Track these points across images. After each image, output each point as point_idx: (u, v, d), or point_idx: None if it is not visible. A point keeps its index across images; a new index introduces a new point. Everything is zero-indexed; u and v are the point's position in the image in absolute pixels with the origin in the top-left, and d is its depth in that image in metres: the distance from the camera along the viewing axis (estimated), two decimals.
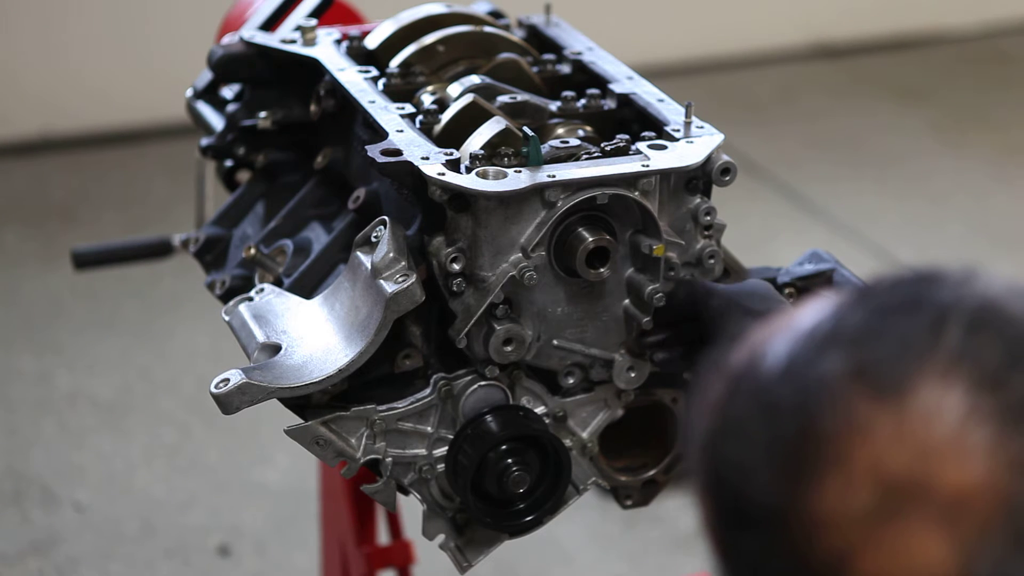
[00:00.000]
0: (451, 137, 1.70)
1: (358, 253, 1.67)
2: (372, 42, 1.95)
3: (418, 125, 1.73)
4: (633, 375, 1.70)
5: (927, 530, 0.89)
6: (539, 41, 2.01)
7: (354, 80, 1.83)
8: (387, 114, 1.74)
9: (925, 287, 0.95)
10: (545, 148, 1.64)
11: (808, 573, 0.92)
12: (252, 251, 1.86)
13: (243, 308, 1.74)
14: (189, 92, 2.10)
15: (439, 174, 1.58)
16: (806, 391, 0.93)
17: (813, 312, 0.97)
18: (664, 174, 1.62)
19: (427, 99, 1.83)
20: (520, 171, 1.59)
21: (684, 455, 1.75)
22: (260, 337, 1.68)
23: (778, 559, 0.93)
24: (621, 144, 1.65)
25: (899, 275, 0.97)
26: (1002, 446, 0.89)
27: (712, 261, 1.68)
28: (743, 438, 0.95)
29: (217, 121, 2.03)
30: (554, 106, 1.81)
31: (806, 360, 0.94)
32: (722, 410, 0.97)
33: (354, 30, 2.01)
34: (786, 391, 0.93)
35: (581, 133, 1.76)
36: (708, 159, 1.64)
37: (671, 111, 1.74)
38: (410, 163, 1.60)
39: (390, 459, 1.68)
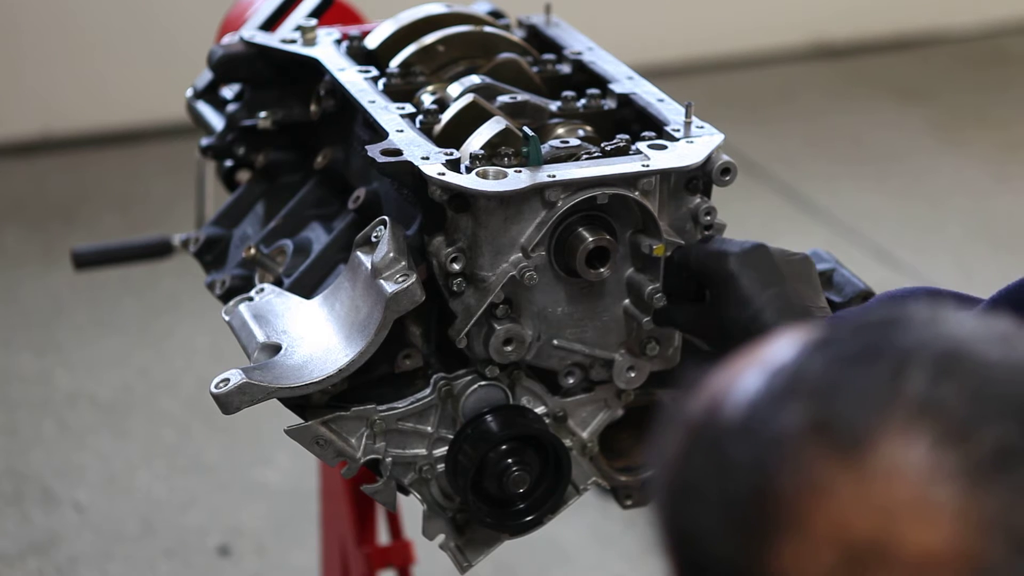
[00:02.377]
0: (451, 137, 1.70)
1: (358, 253, 1.67)
2: (372, 42, 1.95)
3: (418, 125, 1.73)
4: (633, 375, 1.70)
5: None
6: (539, 41, 2.01)
7: (354, 80, 1.83)
8: (387, 114, 1.74)
9: (886, 331, 0.90)
10: (545, 148, 1.64)
11: None
12: (252, 251, 1.86)
13: (243, 308, 1.74)
14: (189, 92, 2.10)
15: (439, 174, 1.58)
16: (763, 448, 0.88)
17: (775, 355, 0.92)
18: (664, 174, 1.62)
19: (427, 99, 1.83)
20: (520, 171, 1.59)
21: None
22: (260, 337, 1.68)
23: None
24: (621, 144, 1.65)
25: (863, 318, 0.92)
26: (970, 505, 0.84)
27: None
28: (699, 498, 0.90)
29: (217, 121, 2.03)
30: (554, 106, 1.81)
31: (764, 414, 0.89)
32: (679, 467, 0.92)
33: (354, 30, 2.01)
34: (742, 448, 0.89)
35: (581, 133, 1.76)
36: (708, 159, 1.64)
37: (671, 111, 1.74)
38: (410, 163, 1.60)
39: (390, 459, 1.68)
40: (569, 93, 1.82)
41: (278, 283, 1.83)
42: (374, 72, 1.86)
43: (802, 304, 1.53)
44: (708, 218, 1.65)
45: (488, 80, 1.81)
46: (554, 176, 1.58)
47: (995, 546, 0.83)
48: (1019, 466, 0.84)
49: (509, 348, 1.64)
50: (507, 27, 2.02)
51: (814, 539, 0.85)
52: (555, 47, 1.97)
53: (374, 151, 1.63)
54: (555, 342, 1.67)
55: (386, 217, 1.66)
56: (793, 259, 1.57)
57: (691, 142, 1.66)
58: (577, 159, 1.64)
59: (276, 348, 1.66)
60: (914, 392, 0.86)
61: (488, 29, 1.94)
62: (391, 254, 1.61)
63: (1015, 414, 0.85)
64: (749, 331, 1.49)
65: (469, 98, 1.74)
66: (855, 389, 0.87)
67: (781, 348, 0.92)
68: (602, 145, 1.66)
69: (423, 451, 1.69)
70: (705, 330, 1.60)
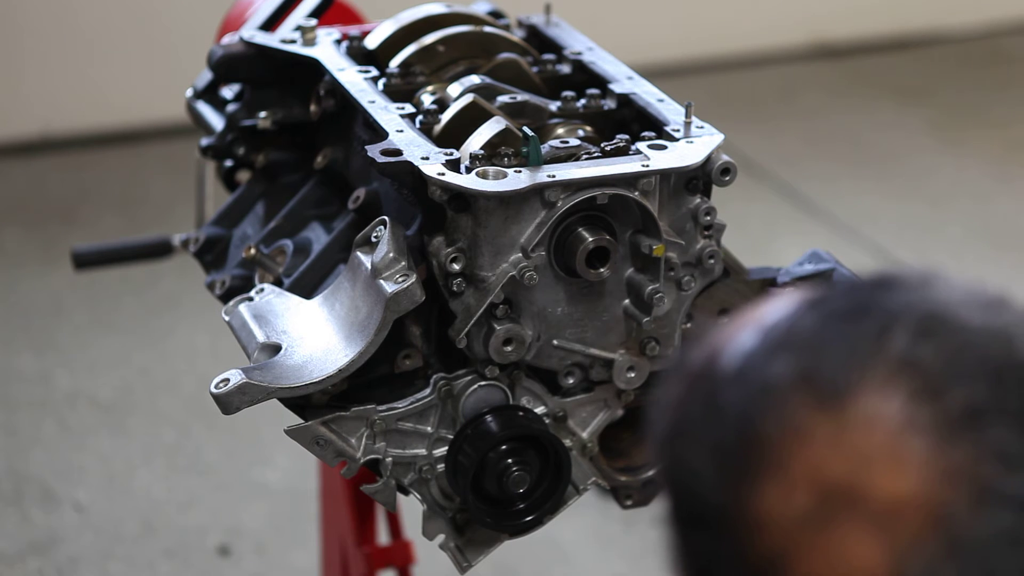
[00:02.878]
0: (451, 137, 1.70)
1: (358, 253, 1.67)
2: (372, 42, 1.95)
3: (418, 125, 1.73)
4: (633, 375, 1.70)
5: (861, 536, 0.90)
6: (539, 41, 2.01)
7: (354, 80, 1.83)
8: (387, 114, 1.74)
9: (878, 293, 0.95)
10: (545, 148, 1.64)
11: (749, 572, 0.94)
12: (252, 251, 1.86)
13: (243, 308, 1.74)
14: (189, 92, 2.10)
15: (439, 174, 1.58)
16: (752, 395, 0.94)
17: (772, 312, 0.98)
18: (664, 174, 1.62)
19: (427, 99, 1.83)
20: (520, 171, 1.59)
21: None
22: (260, 337, 1.68)
23: (722, 558, 0.95)
24: (621, 144, 1.65)
25: (855, 280, 0.98)
26: (937, 457, 0.89)
27: (712, 261, 1.68)
28: (693, 439, 0.97)
29: (217, 121, 2.03)
30: (554, 106, 1.81)
31: (756, 364, 0.95)
32: (677, 410, 0.99)
33: (354, 30, 2.01)
34: (734, 394, 0.95)
35: (581, 133, 1.76)
36: (708, 159, 1.64)
37: (671, 111, 1.74)
38: (410, 163, 1.60)
39: (390, 459, 1.68)
40: (569, 93, 1.82)
41: (278, 283, 1.83)
42: (374, 72, 1.86)
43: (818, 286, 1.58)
44: (708, 218, 1.65)
45: (488, 80, 1.81)
46: (554, 176, 1.58)
47: (958, 497, 0.89)
48: (986, 424, 0.90)
49: (509, 348, 1.64)
50: (507, 27, 2.03)
51: (792, 481, 0.91)
52: (555, 47, 1.97)
53: (374, 151, 1.63)
54: (555, 342, 1.67)
55: (386, 217, 1.66)
56: None
57: (691, 142, 1.66)
58: (577, 159, 1.64)
59: (276, 348, 1.66)
60: (895, 350, 0.91)
61: (488, 29, 1.94)
62: (391, 254, 1.61)
63: (987, 376, 0.91)
64: None
65: (469, 98, 1.74)
66: (841, 344, 0.93)
67: (779, 306, 0.98)
68: (602, 145, 1.66)
69: (423, 451, 1.69)
70: None
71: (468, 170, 1.60)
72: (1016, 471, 0.89)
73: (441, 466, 1.70)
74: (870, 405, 0.91)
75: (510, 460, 1.66)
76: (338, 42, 1.96)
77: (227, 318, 1.75)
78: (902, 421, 0.90)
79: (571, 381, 1.70)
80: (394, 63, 1.90)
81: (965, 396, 0.90)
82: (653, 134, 1.69)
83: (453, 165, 1.61)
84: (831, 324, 0.94)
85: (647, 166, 1.61)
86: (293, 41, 1.94)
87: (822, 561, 0.91)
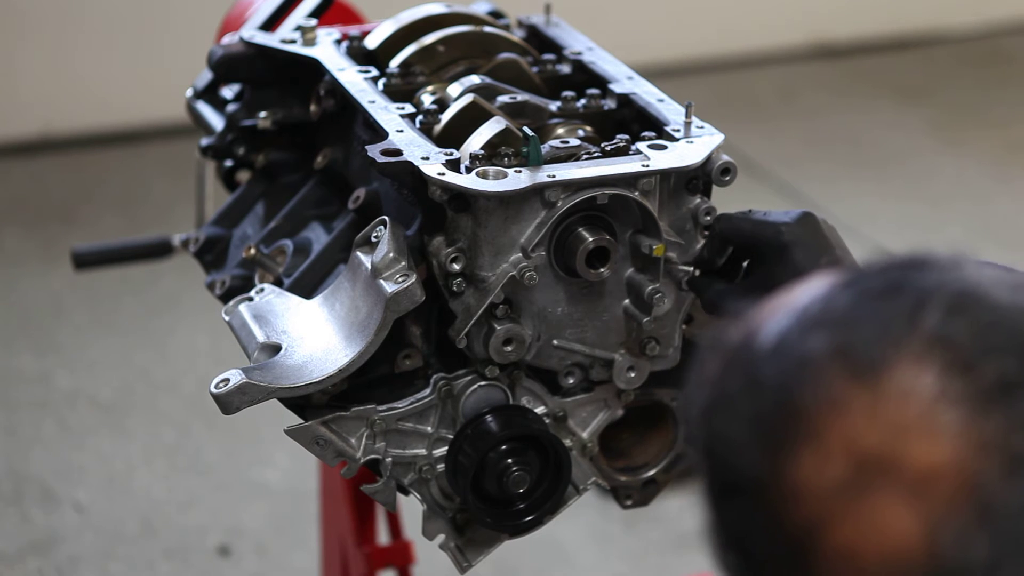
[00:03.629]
0: (451, 137, 1.70)
1: (358, 253, 1.67)
2: (372, 42, 1.95)
3: (418, 125, 1.73)
4: (633, 375, 1.70)
5: (895, 504, 0.93)
6: (539, 41, 2.01)
7: (354, 80, 1.83)
8: (387, 114, 1.74)
9: (911, 272, 0.99)
10: (545, 148, 1.64)
11: (785, 542, 0.96)
12: (252, 251, 1.86)
13: (243, 308, 1.74)
14: (189, 92, 2.10)
15: (439, 174, 1.58)
16: (789, 369, 0.97)
17: (808, 292, 1.01)
18: (664, 174, 1.62)
19: (427, 99, 1.83)
20: (520, 171, 1.59)
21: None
22: (260, 337, 1.68)
23: (759, 528, 0.98)
24: (621, 144, 1.65)
25: (890, 260, 1.01)
26: (969, 428, 0.92)
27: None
28: (731, 411, 1.00)
29: (217, 121, 2.03)
30: (554, 106, 1.81)
31: (793, 340, 0.98)
32: (715, 384, 1.02)
33: (354, 30, 2.01)
34: (771, 368, 0.98)
35: (581, 133, 1.76)
36: (708, 159, 1.64)
37: (671, 111, 1.74)
38: (410, 163, 1.60)
39: (390, 459, 1.68)
40: (569, 93, 1.82)
41: (278, 283, 1.83)
42: (374, 72, 1.86)
43: (852, 264, 1.60)
44: (708, 218, 1.65)
45: (488, 80, 1.81)
46: (554, 176, 1.58)
47: (990, 466, 0.92)
48: (1017, 396, 0.93)
49: (509, 348, 1.64)
50: (507, 27, 2.02)
51: (829, 451, 0.94)
52: (555, 47, 1.97)
53: (374, 151, 1.63)
54: (555, 342, 1.67)
55: (386, 217, 1.66)
56: (828, 224, 1.64)
57: (691, 142, 1.66)
58: (577, 159, 1.64)
59: (276, 348, 1.66)
60: (928, 326, 0.95)
61: (488, 29, 1.94)
62: (391, 254, 1.61)
63: (1018, 350, 0.94)
64: None
65: (469, 98, 1.74)
66: (876, 321, 0.96)
67: (811, 287, 1.02)
68: (602, 145, 1.66)
69: (423, 451, 1.69)
70: (732, 304, 1.63)
71: (468, 170, 1.60)
72: None
73: (441, 466, 1.70)
74: (904, 378, 0.94)
75: (510, 460, 1.66)
76: (338, 42, 1.96)
77: (227, 318, 1.75)
78: (935, 393, 0.93)
79: (571, 381, 1.70)
80: (394, 63, 1.90)
81: (996, 369, 0.93)
82: (653, 134, 1.69)
83: (453, 165, 1.61)
84: (865, 302, 0.98)
85: (647, 166, 1.61)
86: (293, 41, 1.94)
87: (857, 529, 0.93)
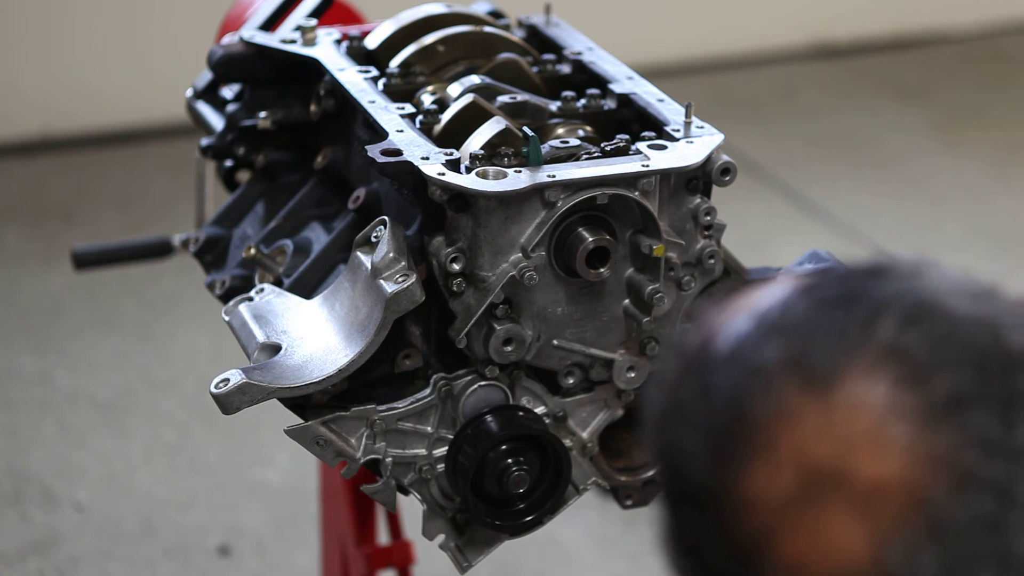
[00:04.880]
0: (451, 137, 1.70)
1: (358, 253, 1.67)
2: (372, 42, 1.95)
3: (418, 125, 1.73)
4: (633, 375, 1.70)
5: (843, 517, 0.92)
6: (539, 41, 2.01)
7: (354, 80, 1.83)
8: (387, 114, 1.74)
9: (869, 281, 0.97)
10: (545, 148, 1.64)
11: (735, 551, 0.96)
12: (252, 251, 1.86)
13: (243, 308, 1.74)
14: (189, 92, 2.10)
15: (439, 174, 1.58)
16: (742, 378, 0.96)
17: (767, 297, 1.00)
18: (664, 174, 1.62)
19: (427, 99, 1.83)
20: (520, 171, 1.59)
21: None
22: (260, 337, 1.68)
23: (711, 536, 0.98)
24: (621, 144, 1.65)
25: (848, 268, 1.00)
26: (919, 443, 0.91)
27: (712, 261, 1.68)
28: (684, 419, 0.99)
29: (217, 121, 2.03)
30: (554, 106, 1.81)
31: (747, 347, 0.97)
32: (671, 391, 1.01)
33: (354, 30, 2.01)
34: (725, 377, 0.97)
35: (581, 133, 1.76)
36: (708, 159, 1.64)
37: (671, 111, 1.74)
38: (410, 163, 1.60)
39: (390, 459, 1.68)
40: (569, 93, 1.82)
41: (278, 283, 1.83)
42: (374, 72, 1.86)
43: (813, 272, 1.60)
44: (708, 218, 1.65)
45: (488, 80, 1.81)
46: (554, 176, 1.58)
47: (939, 481, 0.91)
48: (969, 411, 0.92)
49: (509, 348, 1.64)
50: (507, 27, 2.03)
51: (779, 462, 0.94)
52: (555, 47, 1.97)
53: (374, 151, 1.63)
54: (555, 342, 1.67)
55: (386, 217, 1.66)
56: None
57: (691, 142, 1.66)
58: (577, 159, 1.64)
59: (276, 348, 1.66)
60: (883, 337, 0.94)
61: (488, 29, 1.94)
62: (391, 254, 1.61)
63: (972, 364, 0.93)
64: None
65: (469, 98, 1.74)
66: (830, 330, 0.95)
67: (773, 291, 1.01)
68: (602, 145, 1.66)
69: (423, 451, 1.69)
70: None
71: (468, 170, 1.60)
72: (996, 457, 0.91)
73: (441, 466, 1.70)
74: (856, 390, 0.93)
75: (510, 460, 1.66)
76: (338, 42, 1.96)
77: (227, 318, 1.75)
78: (886, 407, 0.92)
79: (571, 381, 1.70)
80: (394, 63, 1.90)
81: (949, 383, 0.92)
82: (653, 134, 1.69)
83: (453, 165, 1.61)
84: (821, 310, 0.96)
85: (647, 166, 1.61)
86: (293, 41, 1.94)
87: (806, 541, 0.93)
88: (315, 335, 1.66)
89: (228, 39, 1.99)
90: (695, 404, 0.98)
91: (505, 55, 1.89)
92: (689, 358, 1.01)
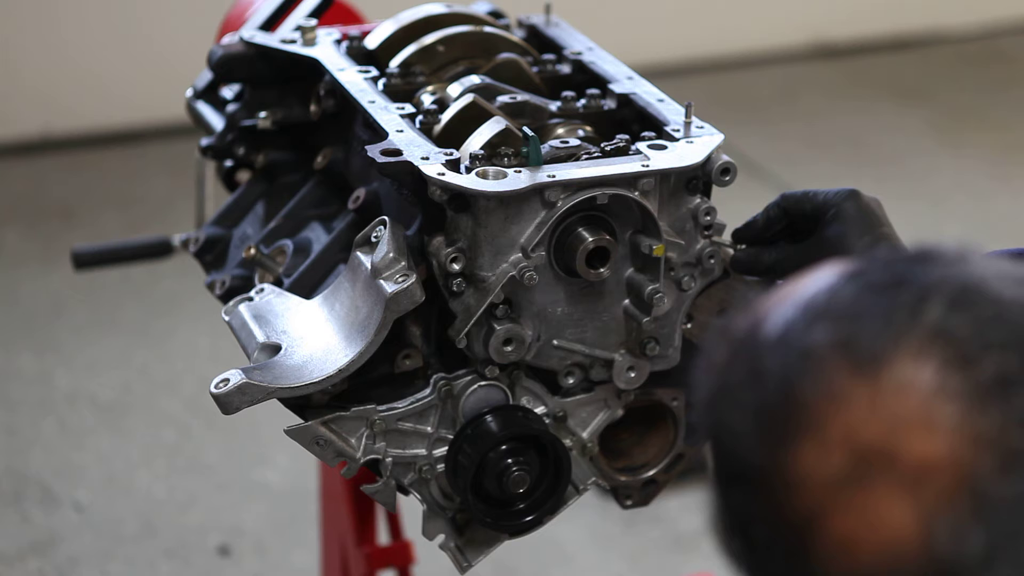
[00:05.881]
0: (451, 137, 1.70)
1: (358, 253, 1.67)
2: (372, 42, 1.95)
3: (418, 125, 1.73)
4: (633, 375, 1.70)
5: (892, 496, 0.94)
6: (539, 41, 2.01)
7: (354, 80, 1.83)
8: (387, 114, 1.74)
9: (915, 266, 1.00)
10: (545, 148, 1.64)
11: (784, 530, 0.98)
12: (252, 251, 1.86)
13: (243, 308, 1.74)
14: (189, 92, 2.10)
15: (439, 174, 1.58)
16: (792, 361, 0.99)
17: (814, 283, 1.03)
18: (664, 174, 1.62)
19: (427, 99, 1.83)
20: (520, 171, 1.59)
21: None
22: (260, 337, 1.68)
23: (761, 515, 1.00)
24: (621, 144, 1.65)
25: (894, 253, 1.03)
26: (967, 423, 0.93)
27: (712, 261, 1.68)
28: (735, 401, 1.01)
29: (217, 121, 2.03)
30: (554, 106, 1.81)
31: (796, 331, 1.00)
32: (721, 373, 1.04)
33: (354, 30, 2.01)
34: (775, 359, 1.00)
35: (581, 133, 1.76)
36: (708, 159, 1.64)
37: (671, 111, 1.74)
38: (410, 163, 1.60)
39: (390, 459, 1.68)
40: (569, 93, 1.82)
41: (278, 283, 1.83)
42: (374, 72, 1.86)
43: (894, 243, 1.65)
44: (708, 218, 1.65)
45: (488, 80, 1.81)
46: (554, 176, 1.58)
47: (985, 461, 0.93)
48: (1015, 393, 0.94)
49: (509, 348, 1.64)
50: (507, 27, 2.02)
51: (829, 443, 0.96)
52: (555, 47, 1.97)
53: (374, 151, 1.63)
54: (555, 342, 1.67)
55: (386, 217, 1.66)
56: (875, 201, 1.69)
57: (691, 142, 1.66)
58: (577, 159, 1.64)
59: (276, 348, 1.66)
60: (930, 320, 0.96)
61: (488, 29, 1.94)
62: (391, 254, 1.61)
63: (1018, 346, 0.95)
64: None
65: (469, 98, 1.74)
66: (878, 314, 0.98)
67: (820, 277, 1.03)
68: (602, 145, 1.66)
69: (423, 451, 1.69)
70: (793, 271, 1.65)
71: (468, 170, 1.60)
72: None
73: (441, 466, 1.69)
74: (904, 372, 0.95)
75: (510, 460, 1.66)
76: (338, 42, 1.96)
77: (227, 318, 1.75)
78: (934, 388, 0.94)
79: (571, 381, 1.70)
80: (394, 63, 1.90)
81: (995, 365, 0.94)
82: (653, 134, 1.69)
83: (453, 165, 1.60)
84: (869, 295, 0.99)
85: (647, 166, 1.61)
86: (293, 41, 1.94)
87: (855, 520, 0.95)
88: (315, 335, 1.66)
89: (228, 39, 1.99)
90: (745, 387, 1.01)
91: (505, 55, 1.89)
92: (737, 343, 1.04)
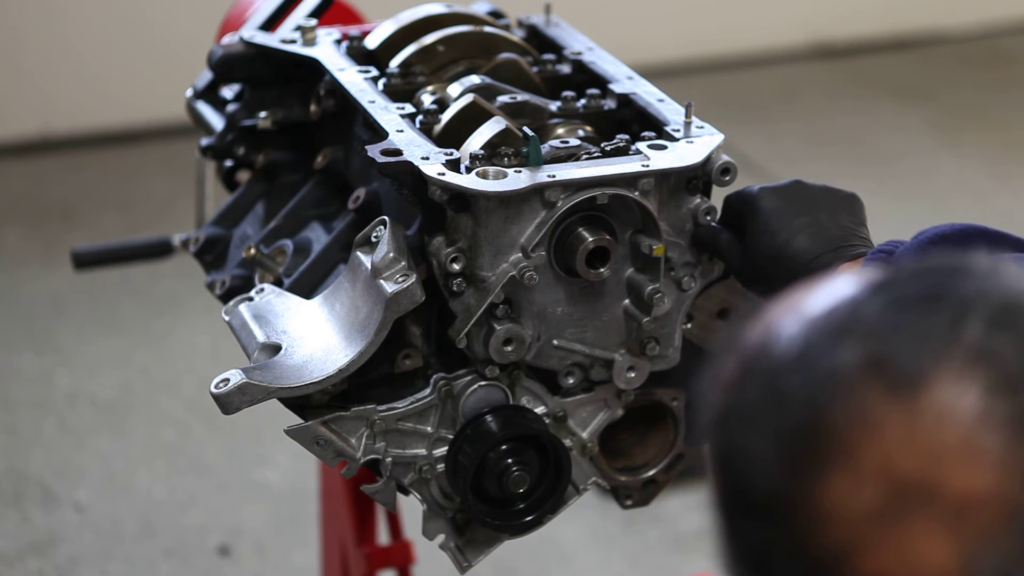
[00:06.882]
0: (451, 137, 1.70)
1: (358, 253, 1.67)
2: (372, 42, 1.95)
3: (418, 125, 1.73)
4: (633, 375, 1.70)
5: (932, 533, 0.87)
6: (539, 41, 2.01)
7: (354, 80, 1.83)
8: (387, 114, 1.74)
9: (948, 279, 0.92)
10: (545, 148, 1.64)
11: (809, 566, 0.90)
12: (252, 251, 1.86)
13: (243, 308, 1.74)
14: (189, 92, 2.10)
15: (439, 174, 1.58)
16: (818, 381, 0.90)
17: (830, 296, 0.94)
18: (664, 174, 1.62)
19: (427, 99, 1.83)
20: (520, 171, 1.59)
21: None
22: (260, 337, 1.68)
23: (780, 549, 0.92)
24: (621, 144, 1.65)
25: (921, 264, 0.95)
26: (1013, 453, 0.87)
27: (712, 261, 1.68)
28: (751, 424, 0.93)
29: (217, 121, 2.03)
30: (554, 106, 1.81)
31: (820, 349, 0.91)
32: (733, 391, 0.95)
33: (354, 30, 2.01)
34: (797, 380, 0.91)
35: (581, 133, 1.76)
36: (708, 159, 1.64)
37: (671, 111, 1.74)
38: (410, 163, 1.60)
39: (390, 459, 1.68)
40: (569, 93, 1.82)
41: (278, 283, 1.83)
42: (374, 72, 1.86)
43: (839, 231, 1.56)
44: (708, 218, 1.65)
45: (488, 80, 1.81)
46: (554, 176, 1.58)
47: None
48: None
49: (509, 348, 1.64)
50: (507, 27, 2.02)
51: (862, 474, 0.88)
52: (555, 47, 1.97)
53: (374, 151, 1.63)
54: (555, 342, 1.67)
55: (386, 217, 1.66)
56: (837, 192, 1.62)
57: (691, 142, 1.66)
58: (577, 159, 1.64)
59: (276, 348, 1.66)
60: (971, 340, 0.88)
61: (488, 29, 1.94)
62: (391, 254, 1.61)
63: None
64: (778, 259, 1.55)
65: (469, 98, 1.74)
66: (914, 332, 0.89)
67: (838, 287, 0.94)
68: (602, 145, 1.66)
69: (423, 451, 1.69)
70: (736, 259, 1.63)
71: (468, 170, 1.60)
72: None
73: (441, 466, 1.69)
74: (945, 396, 0.87)
75: (510, 460, 1.66)
76: (338, 42, 1.96)
77: (227, 318, 1.75)
78: (978, 415, 0.87)
79: (571, 381, 1.70)
80: (394, 63, 1.90)
81: None
82: (653, 134, 1.69)
83: (453, 165, 1.60)
84: (901, 310, 0.91)
85: (647, 166, 1.61)
86: (293, 41, 1.94)
87: (890, 557, 0.88)
88: (315, 335, 1.66)
89: (228, 39, 1.99)
90: (765, 408, 0.92)
91: (505, 55, 1.89)
92: (750, 359, 0.95)
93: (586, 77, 1.89)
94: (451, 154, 1.62)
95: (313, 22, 1.96)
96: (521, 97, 1.79)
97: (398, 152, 1.62)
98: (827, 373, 0.90)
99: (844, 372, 0.89)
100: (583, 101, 1.82)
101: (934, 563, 0.87)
